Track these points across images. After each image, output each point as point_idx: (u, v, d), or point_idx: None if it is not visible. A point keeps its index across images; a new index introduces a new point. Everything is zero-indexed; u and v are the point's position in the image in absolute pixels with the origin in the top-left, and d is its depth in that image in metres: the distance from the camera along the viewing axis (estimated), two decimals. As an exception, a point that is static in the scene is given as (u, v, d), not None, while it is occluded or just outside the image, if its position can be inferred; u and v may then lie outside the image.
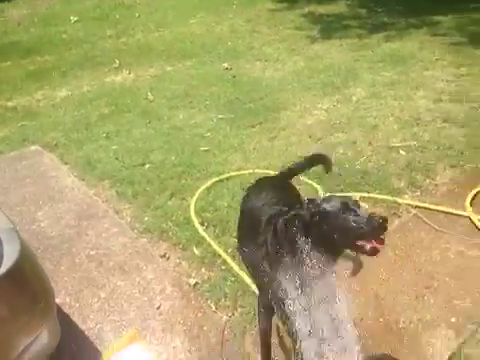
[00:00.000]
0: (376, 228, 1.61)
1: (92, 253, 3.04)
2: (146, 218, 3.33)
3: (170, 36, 8.45)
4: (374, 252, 1.67)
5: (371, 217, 1.62)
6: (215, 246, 2.96)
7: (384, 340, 2.22)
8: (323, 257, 1.71)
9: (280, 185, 2.33)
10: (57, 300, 2.44)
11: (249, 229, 2.07)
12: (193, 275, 2.78)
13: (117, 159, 4.18)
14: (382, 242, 1.66)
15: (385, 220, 1.61)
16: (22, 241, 1.84)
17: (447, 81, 5.44)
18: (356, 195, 3.35)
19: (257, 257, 1.90)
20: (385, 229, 1.63)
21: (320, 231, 1.68)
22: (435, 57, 6.27)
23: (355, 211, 1.66)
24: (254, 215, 2.05)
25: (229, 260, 2.82)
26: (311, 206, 1.73)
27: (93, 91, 6.01)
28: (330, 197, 1.82)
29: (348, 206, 1.68)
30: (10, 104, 5.73)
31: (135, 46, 7.97)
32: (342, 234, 1.65)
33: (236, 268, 2.74)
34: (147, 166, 4.02)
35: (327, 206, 1.70)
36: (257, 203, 2.11)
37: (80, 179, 3.93)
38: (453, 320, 2.31)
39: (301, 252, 1.71)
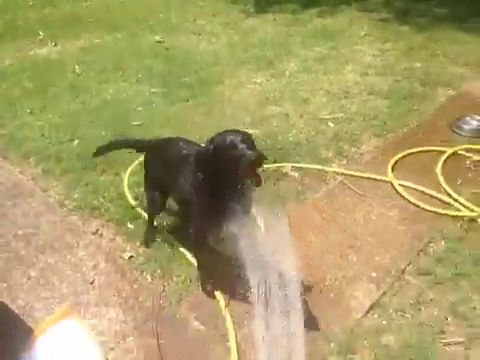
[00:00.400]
0: (252, 161, 1.90)
1: (19, 233, 2.92)
2: (76, 195, 3.24)
3: (98, 6, 8.06)
4: (257, 183, 1.99)
5: (250, 152, 1.91)
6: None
7: (311, 297, 2.35)
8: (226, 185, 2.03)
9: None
10: (-17, 281, 2.35)
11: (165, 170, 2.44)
12: (128, 249, 2.76)
13: (43, 135, 4.00)
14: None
15: (260, 155, 1.92)
16: None
17: (374, 55, 5.67)
18: (288, 165, 3.47)
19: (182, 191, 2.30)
20: (259, 163, 1.94)
21: (216, 162, 2.00)
22: (363, 32, 6.49)
23: (241, 145, 1.93)
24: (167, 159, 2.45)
25: (165, 232, 2.83)
26: (208, 142, 2.05)
27: (15, 65, 5.63)
28: (225, 132, 2.06)
29: (235, 140, 1.95)
30: None
31: (61, 17, 7.52)
32: (228, 164, 1.95)
33: (171, 239, 2.76)
34: (76, 142, 3.88)
35: (218, 140, 2.01)
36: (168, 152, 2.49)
37: (3, 158, 3.72)
38: (374, 275, 2.49)
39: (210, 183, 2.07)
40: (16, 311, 2.36)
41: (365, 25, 6.82)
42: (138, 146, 2.82)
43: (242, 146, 1.93)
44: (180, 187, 2.33)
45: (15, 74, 5.34)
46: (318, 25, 6.97)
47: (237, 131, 2.06)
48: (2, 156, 3.73)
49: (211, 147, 2.02)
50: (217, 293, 2.40)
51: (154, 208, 2.72)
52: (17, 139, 3.94)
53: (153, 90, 4.82)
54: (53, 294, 2.46)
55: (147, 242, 2.76)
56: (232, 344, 2.12)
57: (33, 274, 2.60)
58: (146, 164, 2.74)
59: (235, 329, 2.20)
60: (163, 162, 2.50)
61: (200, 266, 2.47)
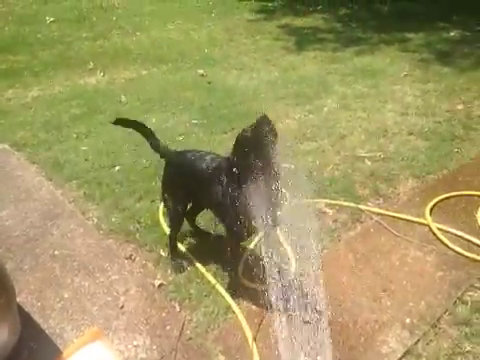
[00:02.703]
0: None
1: (56, 253, 3.01)
2: (113, 219, 3.32)
3: (147, 41, 8.48)
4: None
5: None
6: (182, 248, 2.98)
7: (341, 338, 2.28)
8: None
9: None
10: (18, 299, 2.41)
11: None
12: (158, 276, 2.78)
13: (86, 160, 4.16)
14: None
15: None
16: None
17: (414, 96, 5.64)
18: (322, 201, 3.45)
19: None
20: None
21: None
22: (404, 72, 6.49)
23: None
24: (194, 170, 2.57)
25: (196, 262, 2.85)
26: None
27: (65, 92, 5.96)
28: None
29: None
30: (-22, 102, 5.62)
31: (111, 49, 7.95)
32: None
33: (202, 270, 2.77)
34: (117, 168, 4.02)
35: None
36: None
37: (47, 179, 3.89)
38: (408, 321, 2.39)
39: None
40: (47, 331, 2.41)
41: (406, 65, 6.82)
42: (161, 151, 2.85)
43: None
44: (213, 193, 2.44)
45: (64, 101, 5.63)
46: (358, 63, 7.03)
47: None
48: (47, 177, 3.90)
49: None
50: (244, 324, 2.37)
51: (178, 218, 2.80)
52: (61, 162, 4.12)
53: (194, 121, 4.96)
54: (84, 316, 2.49)
55: (175, 267, 2.80)
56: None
57: (66, 295, 2.66)
58: (169, 174, 2.78)
59: None
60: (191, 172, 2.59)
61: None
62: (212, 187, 2.44)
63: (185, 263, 2.84)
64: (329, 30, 9.37)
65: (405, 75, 6.40)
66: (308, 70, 6.75)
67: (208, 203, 2.67)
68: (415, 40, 8.30)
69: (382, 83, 6.12)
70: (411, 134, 4.59)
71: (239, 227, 2.31)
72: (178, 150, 2.90)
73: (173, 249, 2.87)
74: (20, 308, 2.43)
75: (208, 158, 2.58)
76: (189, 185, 2.63)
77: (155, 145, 2.87)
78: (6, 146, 4.46)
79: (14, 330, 2.00)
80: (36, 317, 2.49)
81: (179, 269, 2.79)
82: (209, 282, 2.68)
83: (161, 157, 2.86)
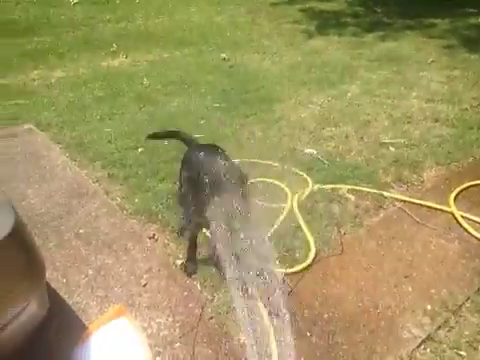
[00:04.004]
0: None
1: (81, 231, 3.07)
2: (136, 200, 3.37)
3: (169, 23, 8.47)
4: None
5: None
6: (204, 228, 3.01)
7: (361, 322, 2.29)
8: None
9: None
10: (45, 274, 2.48)
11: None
12: (180, 256, 2.82)
13: (110, 142, 4.21)
14: None
15: None
16: (16, 213, 1.87)
17: (440, 82, 5.53)
18: (344, 187, 3.43)
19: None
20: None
21: None
22: (430, 59, 6.35)
23: None
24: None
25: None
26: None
27: (89, 73, 6.02)
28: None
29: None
30: (4, 82, 5.72)
31: (134, 31, 7.98)
32: None
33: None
34: (140, 150, 4.05)
35: None
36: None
37: (72, 159, 3.95)
38: (429, 308, 2.38)
39: None
40: (72, 306, 2.47)
41: (432, 51, 6.68)
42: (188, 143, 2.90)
43: None
44: None
45: (88, 82, 5.69)
46: (383, 49, 6.91)
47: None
48: (71, 158, 3.97)
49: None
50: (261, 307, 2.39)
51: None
52: (85, 143, 4.18)
53: (215, 105, 4.96)
54: (107, 293, 2.55)
55: (188, 269, 2.71)
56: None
57: (90, 272, 2.71)
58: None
59: (277, 348, 2.18)
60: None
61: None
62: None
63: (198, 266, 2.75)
64: (353, 14, 9.21)
65: (431, 61, 6.26)
66: (331, 55, 6.66)
67: None
68: (441, 25, 8.10)
69: (407, 69, 6.01)
70: (436, 121, 4.50)
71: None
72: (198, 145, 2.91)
73: (189, 251, 2.75)
74: (47, 284, 2.50)
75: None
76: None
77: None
78: (32, 126, 4.54)
79: (43, 304, 2.05)
80: (62, 293, 2.56)
81: (192, 272, 2.69)
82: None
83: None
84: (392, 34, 7.65)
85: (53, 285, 2.59)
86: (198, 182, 2.42)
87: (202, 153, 2.60)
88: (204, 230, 2.88)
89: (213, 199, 2.30)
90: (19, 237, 1.83)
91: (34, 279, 1.93)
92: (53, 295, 2.47)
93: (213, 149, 2.69)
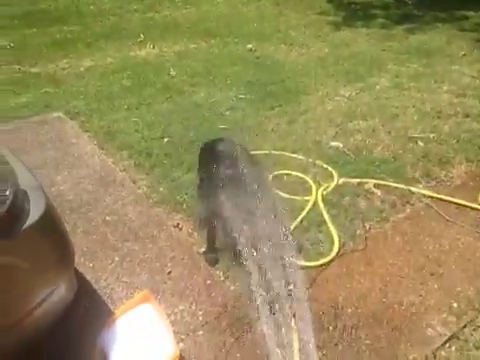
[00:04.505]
0: None
1: (108, 218, 3.13)
2: (162, 189, 3.41)
3: (196, 14, 8.47)
4: None
5: None
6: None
7: (385, 318, 2.27)
8: None
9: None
10: (73, 259, 2.54)
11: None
12: (204, 246, 2.84)
13: (137, 131, 4.26)
14: None
15: None
16: (47, 198, 1.92)
17: (472, 77, 5.37)
18: (371, 182, 3.38)
19: None
20: None
21: None
22: (462, 52, 6.18)
23: None
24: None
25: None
26: None
27: (116, 63, 6.09)
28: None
29: None
30: (34, 70, 5.84)
31: (161, 22, 8.01)
32: None
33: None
34: (166, 140, 4.09)
35: None
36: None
37: (100, 148, 4.02)
38: (455, 306, 2.35)
39: None
40: (99, 291, 2.53)
41: (464, 45, 6.50)
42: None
43: None
44: None
45: (115, 72, 5.76)
46: (412, 42, 6.75)
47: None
48: (99, 146, 4.04)
49: None
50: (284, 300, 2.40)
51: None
52: (113, 132, 4.24)
53: (241, 96, 4.95)
54: (133, 279, 2.60)
55: (209, 260, 2.75)
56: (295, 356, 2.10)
57: (117, 258, 2.77)
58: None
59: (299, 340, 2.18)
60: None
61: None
62: None
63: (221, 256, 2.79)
64: (381, 6, 9.01)
65: (463, 55, 6.09)
66: (360, 47, 6.54)
67: None
68: (473, 18, 7.86)
69: (438, 63, 5.86)
70: (467, 116, 4.39)
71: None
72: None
73: (209, 242, 2.78)
74: (75, 268, 2.56)
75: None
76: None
77: None
78: (61, 114, 4.64)
79: (71, 287, 2.11)
80: (89, 277, 2.62)
81: (213, 262, 2.73)
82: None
83: None
84: (422, 27, 7.46)
85: (81, 270, 2.65)
86: (215, 174, 2.46)
87: (220, 146, 2.64)
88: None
89: (232, 192, 2.34)
90: (50, 220, 1.88)
91: (63, 262, 1.98)
92: (81, 279, 2.54)
93: (230, 142, 2.71)
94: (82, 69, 5.90)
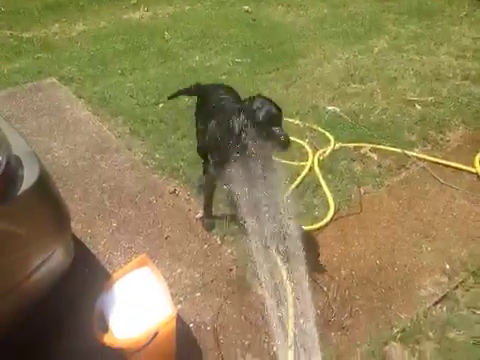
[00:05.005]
0: (281, 141, 2.08)
1: (104, 185, 3.13)
2: (158, 156, 3.40)
3: (191, -26, 8.16)
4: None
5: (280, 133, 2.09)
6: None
7: (378, 279, 2.32)
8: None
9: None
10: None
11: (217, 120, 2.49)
12: (201, 211, 2.86)
13: (131, 96, 4.20)
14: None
15: (287, 138, 2.09)
16: (41, 164, 1.91)
17: (473, 38, 5.27)
18: (367, 146, 3.37)
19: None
20: (285, 145, 2.10)
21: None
22: (464, 12, 6.03)
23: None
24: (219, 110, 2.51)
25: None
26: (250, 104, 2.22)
27: (110, 27, 5.93)
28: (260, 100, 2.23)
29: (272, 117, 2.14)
30: (26, 35, 5.68)
31: (154, -17, 7.73)
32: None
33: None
34: (161, 105, 4.04)
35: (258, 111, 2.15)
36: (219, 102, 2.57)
37: (94, 113, 3.98)
38: (448, 267, 2.39)
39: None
40: (97, 256, 2.57)
41: (466, 4, 6.32)
42: (194, 92, 2.94)
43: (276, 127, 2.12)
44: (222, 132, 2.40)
45: (109, 36, 5.61)
46: (413, 2, 6.57)
47: (270, 102, 2.23)
48: (93, 112, 3.99)
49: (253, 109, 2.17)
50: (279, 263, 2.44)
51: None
52: (107, 97, 4.18)
53: (237, 60, 4.85)
54: (131, 244, 2.64)
55: (207, 225, 2.78)
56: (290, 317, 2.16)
57: (114, 224, 2.80)
58: (198, 106, 2.86)
59: (295, 301, 2.23)
60: (214, 105, 2.60)
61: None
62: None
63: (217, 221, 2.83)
64: (383, -36, 8.69)
65: (465, 15, 5.94)
66: (359, 7, 6.37)
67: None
68: (478, -24, 7.59)
69: (438, 24, 5.73)
70: (466, 79, 4.33)
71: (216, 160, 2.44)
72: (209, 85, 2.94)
73: (205, 207, 2.80)
74: (72, 234, 2.59)
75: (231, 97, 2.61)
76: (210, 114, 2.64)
77: (195, 92, 2.94)
78: (54, 80, 4.56)
79: (68, 253, 2.13)
80: (87, 243, 2.65)
81: (210, 227, 2.77)
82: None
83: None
84: (424, -14, 7.24)
85: (78, 236, 2.68)
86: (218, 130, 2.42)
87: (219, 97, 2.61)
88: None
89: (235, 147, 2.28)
90: (44, 187, 1.87)
91: (59, 228, 1.99)
92: (79, 245, 2.56)
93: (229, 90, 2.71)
94: (75, 34, 5.75)
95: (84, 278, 2.37)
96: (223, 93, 2.66)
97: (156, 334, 1.78)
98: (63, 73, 4.66)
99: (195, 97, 2.98)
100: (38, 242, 1.85)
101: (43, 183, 1.85)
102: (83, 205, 2.95)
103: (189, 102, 3.97)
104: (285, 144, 2.10)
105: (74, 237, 2.58)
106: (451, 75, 4.40)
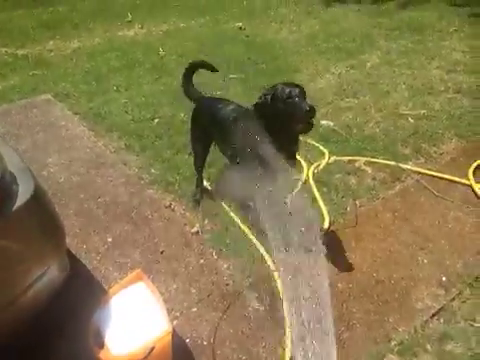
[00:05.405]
0: (306, 111, 2.12)
1: (100, 200, 3.12)
2: (153, 170, 3.40)
3: (185, -8, 8.30)
4: (308, 129, 2.20)
5: (304, 104, 2.13)
6: (223, 204, 3.03)
7: (375, 292, 2.31)
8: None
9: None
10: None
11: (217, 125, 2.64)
12: (197, 225, 2.85)
13: (126, 112, 4.22)
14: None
15: (312, 108, 2.13)
16: (36, 180, 1.91)
17: (463, 52, 5.36)
18: (361, 159, 3.40)
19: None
20: (312, 114, 2.14)
21: (273, 109, 2.22)
22: (453, 28, 6.15)
23: (297, 97, 2.18)
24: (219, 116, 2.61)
25: (231, 213, 2.90)
26: (266, 93, 2.28)
27: (104, 44, 6.00)
28: (281, 84, 2.28)
29: (293, 92, 2.19)
30: (21, 52, 5.74)
31: (149, 0, 7.85)
32: (283, 112, 2.19)
33: (238, 221, 2.83)
34: (156, 121, 4.06)
35: (277, 90, 2.22)
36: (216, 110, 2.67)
37: (89, 129, 3.99)
38: (444, 279, 2.39)
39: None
40: (92, 272, 2.55)
41: (456, 20, 6.45)
42: (194, 97, 2.99)
43: (298, 98, 2.18)
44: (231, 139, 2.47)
45: (104, 53, 5.68)
46: (404, 17, 6.70)
47: (292, 83, 2.30)
48: (89, 128, 4.00)
49: (269, 96, 2.24)
50: (276, 275, 2.43)
51: (198, 158, 2.99)
52: (102, 113, 4.21)
53: (231, 76, 4.90)
54: (126, 259, 2.62)
55: (195, 198, 3.02)
56: (287, 331, 2.14)
57: (109, 239, 2.78)
58: (195, 117, 2.91)
59: (292, 313, 2.21)
60: (214, 117, 2.67)
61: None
62: (228, 129, 2.52)
63: (202, 200, 3.03)
64: (374, -19, 8.87)
65: (454, 31, 6.06)
66: (351, 23, 6.48)
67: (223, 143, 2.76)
68: (466, -7, 7.77)
69: (429, 39, 5.84)
70: (458, 92, 4.40)
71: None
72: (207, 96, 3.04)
73: (196, 187, 3.07)
74: (67, 250, 2.57)
75: (224, 103, 2.69)
76: (210, 125, 2.75)
77: (195, 98, 2.98)
78: (49, 96, 4.58)
79: (63, 268, 2.11)
80: (82, 258, 2.63)
81: (196, 204, 3.00)
82: (244, 232, 2.74)
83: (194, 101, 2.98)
84: (414, 2, 7.39)
85: (74, 251, 2.66)
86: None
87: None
88: (205, 183, 3.15)
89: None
90: (39, 202, 1.87)
91: (54, 243, 1.98)
92: (74, 260, 2.55)
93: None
94: (70, 51, 5.81)
95: (79, 294, 2.34)
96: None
97: (152, 350, 1.76)
98: (58, 90, 4.69)
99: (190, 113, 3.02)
100: (33, 258, 1.83)
101: (38, 199, 1.85)
102: (78, 220, 2.93)
103: (185, 117, 4.01)
104: (311, 114, 2.12)
105: (69, 252, 2.57)
106: (443, 89, 4.47)
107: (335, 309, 2.24)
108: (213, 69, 3.05)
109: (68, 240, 2.69)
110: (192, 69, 3.02)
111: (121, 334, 1.85)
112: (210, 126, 2.75)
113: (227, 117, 2.57)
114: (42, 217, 1.92)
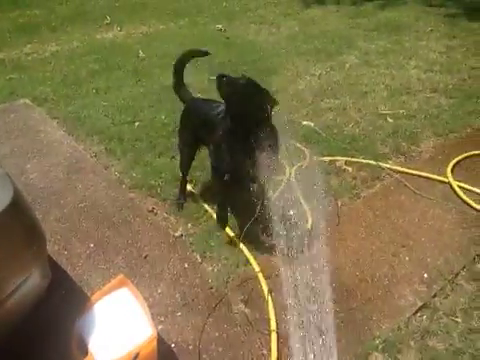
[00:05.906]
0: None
1: (81, 205, 3.08)
2: (134, 174, 3.37)
3: (164, -6, 8.26)
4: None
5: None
6: (202, 203, 3.03)
7: (359, 291, 2.34)
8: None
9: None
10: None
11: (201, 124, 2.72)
12: (180, 229, 2.84)
13: (106, 116, 4.18)
14: None
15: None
16: (15, 186, 1.87)
17: (439, 52, 5.46)
18: (342, 159, 3.43)
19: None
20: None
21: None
22: (430, 28, 6.26)
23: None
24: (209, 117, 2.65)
25: (215, 216, 2.90)
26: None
27: (83, 47, 5.93)
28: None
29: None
30: (-2, 56, 5.63)
31: (127, 3, 7.81)
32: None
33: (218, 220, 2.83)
34: (137, 124, 4.03)
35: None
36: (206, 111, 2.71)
37: (69, 134, 3.94)
38: (426, 276, 2.43)
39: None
40: (74, 278, 2.51)
41: (432, 20, 6.58)
42: (184, 98, 2.99)
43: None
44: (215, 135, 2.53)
45: (82, 56, 5.61)
46: (382, 18, 6.80)
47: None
48: (68, 132, 3.95)
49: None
50: (260, 277, 2.43)
51: (185, 160, 2.99)
52: (82, 117, 4.16)
53: (212, 78, 4.87)
54: (109, 265, 2.59)
55: (179, 201, 3.03)
56: (272, 333, 2.14)
57: (92, 245, 2.75)
58: (185, 119, 2.92)
59: (277, 316, 2.22)
60: (202, 115, 2.72)
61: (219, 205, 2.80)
62: (210, 129, 2.59)
63: (186, 203, 3.03)
64: (352, -18, 8.98)
65: (431, 30, 6.17)
66: (330, 24, 6.55)
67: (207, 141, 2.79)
68: (441, -6, 7.93)
69: (406, 39, 5.93)
70: (435, 91, 4.48)
71: (219, 164, 2.55)
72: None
73: (180, 189, 3.06)
74: (49, 256, 2.53)
75: (215, 105, 2.69)
76: (197, 127, 2.78)
77: (184, 98, 3.00)
78: (27, 101, 4.50)
79: (45, 275, 2.08)
80: (64, 265, 2.59)
81: (179, 207, 3.00)
82: (229, 235, 2.74)
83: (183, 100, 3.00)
84: (391, 3, 7.50)
85: (55, 258, 2.62)
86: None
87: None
88: (189, 187, 3.14)
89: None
90: (18, 209, 1.83)
91: (35, 250, 1.94)
92: (55, 267, 2.51)
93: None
94: (48, 54, 5.73)
95: (62, 301, 2.31)
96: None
97: (137, 356, 1.74)
98: (36, 94, 4.62)
99: (172, 118, 3.03)
100: (13, 265, 1.80)
101: (17, 205, 1.81)
102: (59, 226, 2.89)
103: (166, 120, 3.99)
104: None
105: (51, 259, 2.54)
106: (421, 88, 4.55)
107: (319, 309, 2.27)
108: (206, 53, 3.11)
109: (49, 247, 2.66)
110: (183, 62, 3.00)
111: (105, 341, 1.83)
112: (199, 128, 2.74)
113: (216, 119, 2.56)
114: (22, 224, 1.88)
